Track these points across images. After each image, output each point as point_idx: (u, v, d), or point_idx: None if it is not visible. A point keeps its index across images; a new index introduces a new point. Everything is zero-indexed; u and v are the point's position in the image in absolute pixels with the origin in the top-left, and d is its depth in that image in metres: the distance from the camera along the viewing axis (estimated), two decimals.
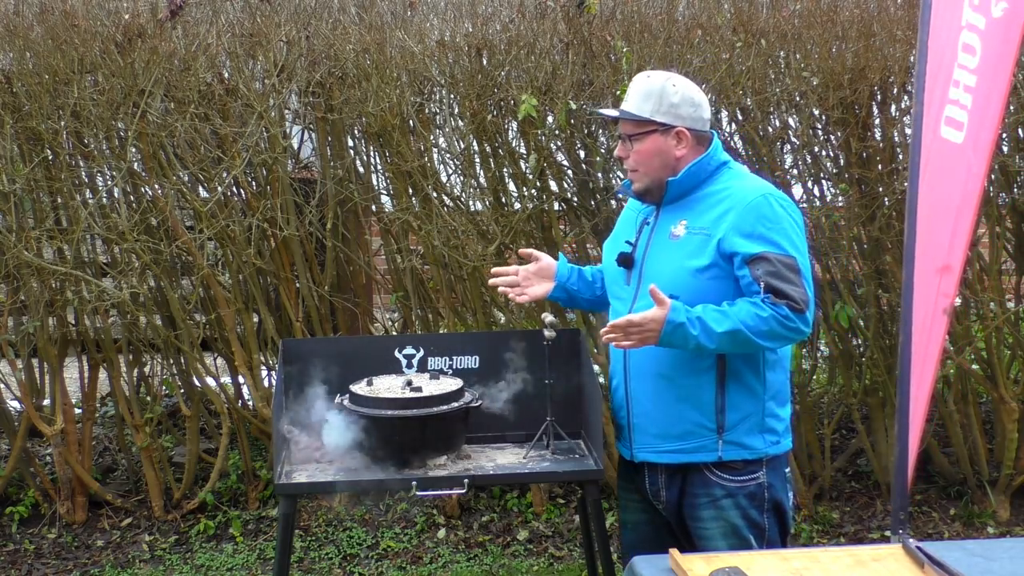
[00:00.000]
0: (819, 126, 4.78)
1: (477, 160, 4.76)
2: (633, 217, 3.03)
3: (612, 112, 3.04)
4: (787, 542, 2.98)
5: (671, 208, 2.90)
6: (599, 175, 4.73)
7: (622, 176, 4.71)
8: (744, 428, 2.83)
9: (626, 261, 2.92)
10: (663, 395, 2.84)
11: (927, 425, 4.49)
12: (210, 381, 4.92)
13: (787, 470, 2.95)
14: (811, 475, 4.91)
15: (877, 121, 4.75)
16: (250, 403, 5.01)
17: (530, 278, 3.12)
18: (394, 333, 5.13)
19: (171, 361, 4.96)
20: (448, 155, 4.81)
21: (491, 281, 3.19)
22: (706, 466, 2.85)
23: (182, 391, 4.98)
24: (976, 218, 3.04)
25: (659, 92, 2.86)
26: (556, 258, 3.17)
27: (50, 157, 4.60)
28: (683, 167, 2.86)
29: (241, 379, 4.97)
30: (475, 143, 4.71)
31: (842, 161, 4.80)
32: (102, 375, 4.98)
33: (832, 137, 4.79)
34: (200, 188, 4.72)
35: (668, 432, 2.85)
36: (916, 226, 2.77)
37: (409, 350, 3.34)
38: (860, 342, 4.95)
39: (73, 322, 4.81)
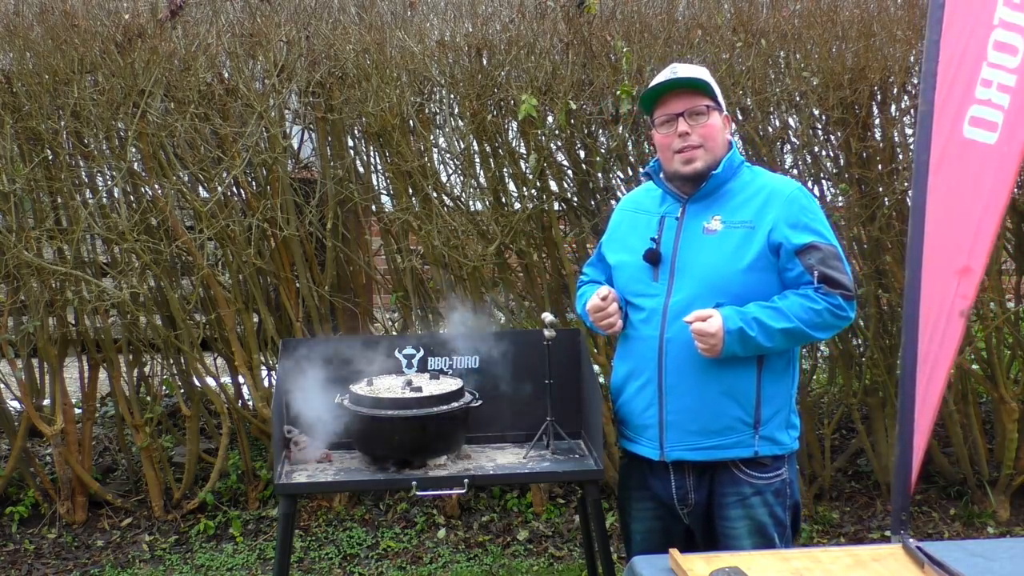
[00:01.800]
0: (819, 126, 4.78)
1: (477, 160, 4.76)
2: (635, 218, 3.00)
3: (695, 72, 2.89)
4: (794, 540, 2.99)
5: (699, 203, 2.88)
6: (599, 175, 4.72)
7: (622, 176, 4.72)
8: (776, 423, 2.85)
9: (653, 257, 2.87)
10: (707, 389, 2.81)
11: None
12: (210, 381, 4.92)
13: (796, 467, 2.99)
14: (811, 475, 4.91)
15: (877, 121, 4.75)
16: (250, 403, 5.02)
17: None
18: (394, 333, 5.12)
19: (171, 361, 4.96)
20: (448, 155, 4.81)
21: (602, 317, 2.94)
22: (735, 464, 2.86)
23: (182, 391, 4.98)
24: (1002, 219, 2.99)
25: (710, 77, 2.89)
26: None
27: (50, 157, 4.60)
28: (722, 157, 2.88)
29: (241, 379, 4.97)
30: (475, 143, 4.70)
31: (842, 161, 4.79)
32: (102, 375, 4.98)
33: (832, 137, 4.79)
34: (200, 188, 4.72)
35: (708, 428, 2.83)
36: (924, 227, 2.75)
37: (409, 350, 3.34)
38: (860, 342, 4.95)
39: (73, 322, 4.81)
